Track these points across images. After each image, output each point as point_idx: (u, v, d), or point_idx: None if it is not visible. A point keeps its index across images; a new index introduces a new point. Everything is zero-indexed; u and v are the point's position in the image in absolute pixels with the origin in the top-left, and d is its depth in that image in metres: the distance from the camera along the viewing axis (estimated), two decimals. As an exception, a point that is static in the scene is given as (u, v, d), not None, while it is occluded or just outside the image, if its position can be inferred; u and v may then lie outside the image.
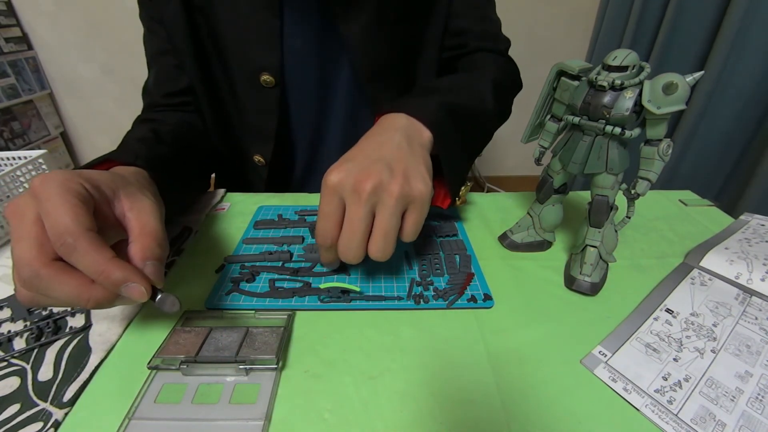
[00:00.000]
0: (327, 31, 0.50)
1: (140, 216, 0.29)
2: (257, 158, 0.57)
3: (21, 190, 0.48)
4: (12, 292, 0.37)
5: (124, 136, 0.46)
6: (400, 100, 0.40)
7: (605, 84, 0.31)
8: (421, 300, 0.36)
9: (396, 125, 0.36)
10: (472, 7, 0.54)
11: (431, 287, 0.37)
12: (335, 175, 0.31)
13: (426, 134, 0.37)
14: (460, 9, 0.53)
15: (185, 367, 0.29)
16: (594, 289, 0.37)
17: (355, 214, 0.31)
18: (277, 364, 0.29)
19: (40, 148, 0.68)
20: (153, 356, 0.30)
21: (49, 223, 0.25)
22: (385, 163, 0.32)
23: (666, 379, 0.29)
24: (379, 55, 0.51)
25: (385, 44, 0.51)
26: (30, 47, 1.64)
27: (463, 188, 0.43)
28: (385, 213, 0.31)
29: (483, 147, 0.51)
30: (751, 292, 0.36)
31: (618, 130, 0.32)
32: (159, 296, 0.28)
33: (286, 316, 0.34)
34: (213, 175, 0.67)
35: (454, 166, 0.39)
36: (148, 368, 0.29)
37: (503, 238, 0.44)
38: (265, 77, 0.50)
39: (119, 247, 0.28)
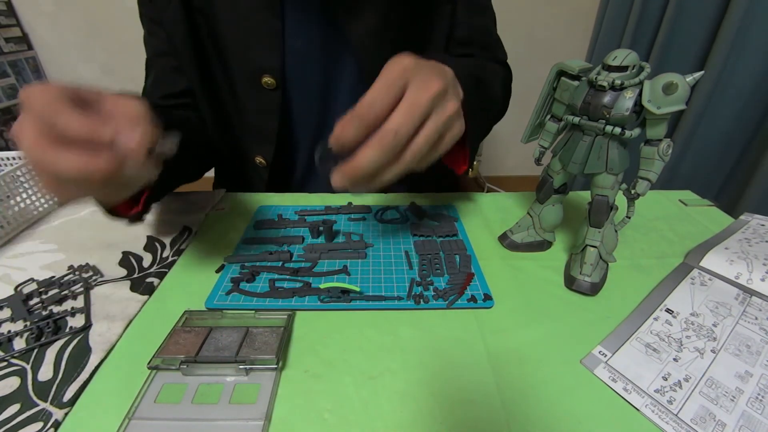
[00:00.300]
0: (329, 30, 0.50)
1: (125, 108, 0.27)
2: (258, 159, 0.57)
3: (21, 189, 0.48)
4: (12, 292, 0.37)
5: None
6: (439, 55, 0.39)
7: (605, 84, 0.31)
8: (421, 300, 0.36)
9: (445, 69, 0.35)
10: (476, 20, 0.56)
11: (431, 287, 0.37)
12: (411, 60, 0.31)
13: (460, 91, 0.36)
14: (465, 19, 0.54)
15: (185, 367, 0.29)
16: (594, 289, 0.37)
17: (421, 98, 0.29)
18: (277, 364, 0.29)
19: (40, 148, 0.68)
20: (153, 356, 0.30)
21: (31, 110, 0.25)
22: (449, 83, 0.32)
23: (666, 379, 0.29)
24: (383, 58, 0.51)
25: (390, 46, 0.51)
26: (30, 47, 1.64)
27: (476, 161, 0.44)
28: (437, 120, 0.30)
29: (488, 130, 0.53)
30: (751, 292, 0.36)
31: (618, 130, 0.32)
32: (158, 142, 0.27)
33: (286, 316, 0.34)
34: (213, 176, 0.67)
35: (474, 132, 0.40)
36: (148, 368, 0.29)
37: (503, 238, 0.44)
38: (267, 79, 0.50)
39: None
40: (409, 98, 0.30)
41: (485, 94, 0.45)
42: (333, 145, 0.30)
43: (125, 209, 0.39)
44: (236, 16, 0.48)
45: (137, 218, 0.40)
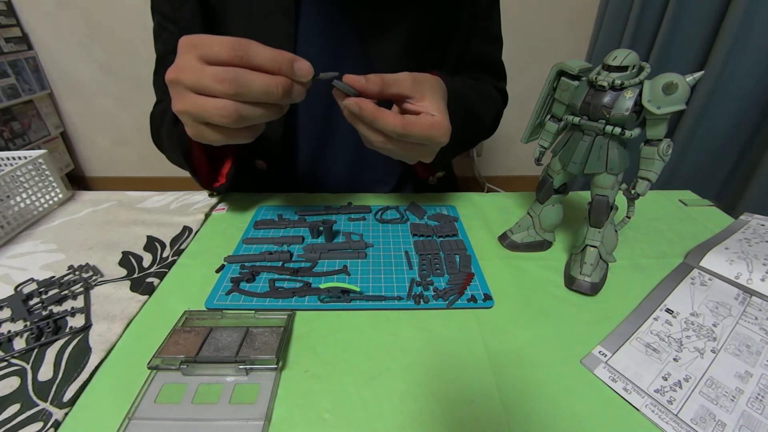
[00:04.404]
0: (341, 38, 0.50)
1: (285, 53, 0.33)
2: (260, 163, 0.57)
3: (21, 189, 0.48)
4: (12, 292, 0.37)
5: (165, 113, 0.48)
6: (449, 81, 0.43)
7: (605, 84, 0.31)
8: (421, 300, 0.36)
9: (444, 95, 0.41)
10: (487, 50, 0.60)
11: (431, 287, 0.37)
12: (447, 128, 0.37)
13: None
14: (477, 48, 0.58)
15: (185, 367, 0.29)
16: (594, 289, 0.37)
17: (425, 134, 0.36)
18: (277, 364, 0.29)
19: (40, 148, 0.68)
20: (153, 356, 0.30)
21: (217, 47, 0.30)
22: (436, 147, 0.39)
23: (666, 379, 0.29)
24: None
25: (408, 67, 0.51)
26: (30, 47, 1.64)
27: (439, 172, 0.56)
28: (411, 152, 0.38)
29: (467, 149, 0.60)
30: (751, 292, 0.36)
31: (618, 130, 0.32)
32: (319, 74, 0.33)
33: (286, 316, 0.34)
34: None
35: (444, 157, 0.45)
36: (148, 368, 0.29)
37: (503, 238, 0.44)
38: None
39: None
40: (421, 123, 0.35)
41: (472, 127, 0.51)
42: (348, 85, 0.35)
43: (211, 183, 0.48)
44: (250, 19, 0.48)
45: (221, 190, 0.50)
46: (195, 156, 0.46)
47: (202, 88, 0.31)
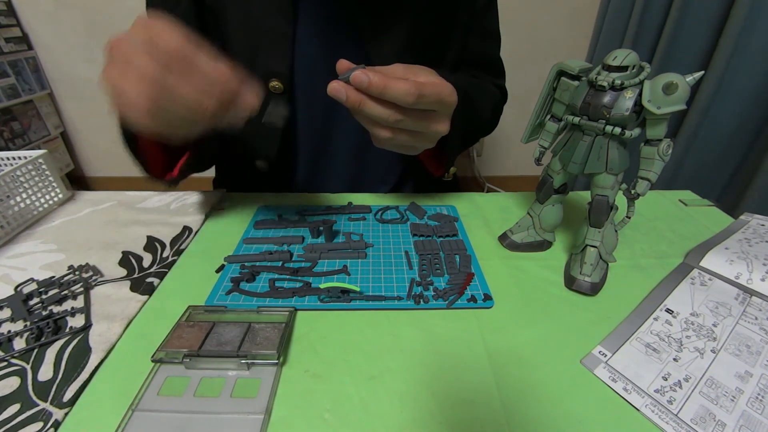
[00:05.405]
0: (340, 38, 0.50)
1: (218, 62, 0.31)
2: (259, 163, 0.57)
3: (21, 189, 0.48)
4: (12, 292, 0.37)
5: None
6: (448, 75, 0.43)
7: (605, 84, 0.31)
8: (421, 300, 0.36)
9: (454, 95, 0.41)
10: (485, 47, 0.61)
11: (431, 287, 0.37)
12: (452, 88, 0.38)
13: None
14: (475, 46, 0.58)
15: (188, 360, 0.29)
16: (594, 289, 0.37)
17: (434, 97, 0.36)
18: (278, 359, 0.29)
19: (40, 148, 0.68)
20: (157, 350, 0.30)
21: (166, 40, 0.27)
22: (448, 109, 0.39)
23: (666, 379, 0.29)
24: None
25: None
26: (30, 47, 1.64)
27: (452, 168, 0.54)
28: (425, 121, 0.38)
29: (471, 144, 0.60)
30: (751, 292, 0.36)
31: (618, 130, 0.32)
32: (268, 109, 0.30)
33: (288, 313, 0.34)
34: (213, 176, 0.67)
35: (453, 144, 0.47)
36: (152, 361, 0.30)
37: (503, 238, 0.44)
38: (274, 83, 0.50)
39: None
40: (431, 94, 0.35)
41: (474, 116, 0.51)
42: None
43: (161, 173, 0.45)
44: (248, 19, 0.48)
45: (172, 183, 0.46)
46: (142, 142, 0.43)
47: (128, 71, 0.28)
